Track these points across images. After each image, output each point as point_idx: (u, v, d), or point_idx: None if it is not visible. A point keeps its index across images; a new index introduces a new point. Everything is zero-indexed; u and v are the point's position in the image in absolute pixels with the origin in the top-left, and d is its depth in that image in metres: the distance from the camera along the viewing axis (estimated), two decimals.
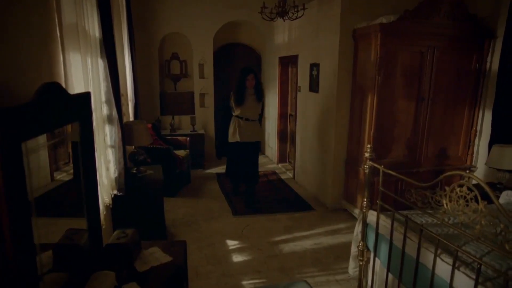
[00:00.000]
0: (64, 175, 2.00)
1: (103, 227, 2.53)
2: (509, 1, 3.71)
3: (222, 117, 5.05)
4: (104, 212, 2.74)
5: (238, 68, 7.48)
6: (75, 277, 1.63)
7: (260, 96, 4.62)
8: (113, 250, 1.90)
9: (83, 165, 1.73)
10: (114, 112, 2.88)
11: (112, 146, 2.97)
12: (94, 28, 2.35)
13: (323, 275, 3.22)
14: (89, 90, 2.07)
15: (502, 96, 3.87)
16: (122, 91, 3.83)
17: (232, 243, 3.78)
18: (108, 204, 2.92)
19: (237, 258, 3.49)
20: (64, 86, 1.79)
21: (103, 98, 2.77)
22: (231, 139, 4.71)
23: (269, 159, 7.26)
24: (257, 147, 4.83)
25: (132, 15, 4.54)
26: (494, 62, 4.04)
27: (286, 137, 6.65)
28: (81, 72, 2.12)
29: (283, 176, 6.10)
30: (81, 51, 2.08)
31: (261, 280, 3.12)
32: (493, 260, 1.94)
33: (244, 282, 3.09)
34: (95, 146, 2.40)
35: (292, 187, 5.53)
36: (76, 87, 1.99)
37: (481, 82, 4.18)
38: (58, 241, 1.60)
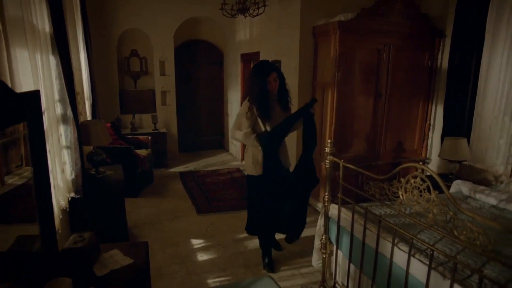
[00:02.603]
0: (16, 179, 1.89)
1: (59, 231, 2.42)
2: (456, 2, 3.93)
3: None
4: (60, 216, 2.62)
5: (201, 65, 7.51)
6: (27, 286, 1.54)
7: (286, 103, 3.13)
8: (69, 255, 1.82)
9: (34, 167, 1.64)
10: (69, 111, 2.76)
11: (68, 147, 2.85)
12: (43, 23, 2.22)
13: (288, 269, 3.26)
14: (39, 88, 1.96)
15: (452, 92, 4.09)
16: (77, 89, 3.68)
17: (196, 242, 3.74)
18: (64, 208, 2.80)
19: (202, 256, 3.46)
20: (9, 84, 1.69)
21: (57, 97, 2.65)
22: (257, 170, 3.09)
23: (233, 156, 7.25)
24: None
25: (87, 9, 4.36)
26: (444, 59, 4.26)
27: None
28: (30, 70, 2.00)
29: (246, 173, 6.11)
30: (29, 47, 1.96)
31: (226, 278, 3.11)
32: (445, 246, 2.06)
33: (210, 281, 3.07)
34: (48, 147, 2.29)
35: None
36: (24, 85, 1.87)
37: (433, 78, 4.40)
38: (7, 248, 1.51)
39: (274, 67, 3.06)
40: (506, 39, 3.53)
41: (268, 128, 3.02)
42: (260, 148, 3.01)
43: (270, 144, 2.99)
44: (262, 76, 2.96)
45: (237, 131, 3.07)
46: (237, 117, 3.12)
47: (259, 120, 3.03)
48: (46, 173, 1.74)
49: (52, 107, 2.47)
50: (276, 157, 3.05)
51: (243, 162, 6.65)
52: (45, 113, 2.31)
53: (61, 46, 2.53)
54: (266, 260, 3.27)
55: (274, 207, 3.13)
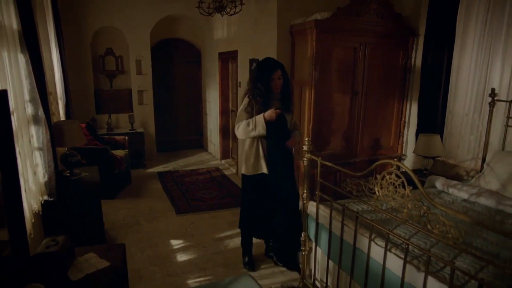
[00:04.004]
0: None
1: (31, 236, 2.35)
2: (428, 2, 4.03)
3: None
4: (33, 220, 2.54)
5: (178, 64, 7.42)
6: None
7: (288, 103, 3.02)
8: (42, 260, 1.76)
9: (2, 170, 1.57)
10: (41, 112, 2.68)
11: (40, 149, 2.76)
12: (10, 19, 2.14)
13: (268, 267, 3.27)
14: (7, 88, 1.88)
15: (425, 90, 4.19)
16: (50, 88, 3.58)
17: (176, 243, 3.70)
18: (37, 211, 2.71)
19: (181, 257, 3.43)
20: None
21: (27, 97, 2.56)
22: (251, 170, 3.01)
23: (212, 155, 7.21)
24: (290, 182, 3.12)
25: (59, 6, 4.23)
26: (417, 58, 4.36)
27: (228, 133, 6.64)
28: None
29: (226, 172, 6.10)
30: None
31: (206, 278, 3.09)
32: (420, 239, 2.11)
33: (190, 281, 3.04)
34: (18, 149, 2.21)
35: (236, 183, 5.54)
36: None
37: (407, 77, 4.49)
38: None
39: (279, 64, 2.95)
40: (475, 39, 3.66)
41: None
42: (261, 148, 2.94)
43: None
44: (266, 73, 2.88)
45: (238, 125, 2.98)
46: (238, 114, 3.04)
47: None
48: (15, 175, 1.68)
49: (22, 107, 2.39)
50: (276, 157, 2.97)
51: (223, 162, 6.65)
52: (14, 114, 2.23)
53: (30, 43, 2.44)
54: (246, 259, 3.27)
55: (258, 209, 3.09)
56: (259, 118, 2.86)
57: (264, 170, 2.96)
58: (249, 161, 3.02)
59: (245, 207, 3.21)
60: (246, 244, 3.30)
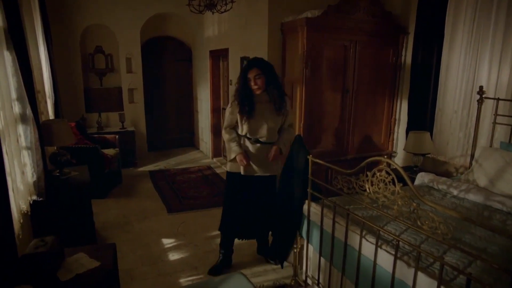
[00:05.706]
0: None
1: (19, 236, 2.32)
2: (417, 1, 4.06)
3: None
4: (21, 220, 2.51)
5: (169, 62, 7.36)
6: None
7: (279, 103, 2.89)
8: (30, 261, 1.74)
9: None
10: (29, 111, 2.64)
11: (28, 148, 2.73)
12: None
13: (260, 265, 3.27)
14: None
15: (415, 88, 4.23)
16: (38, 87, 3.53)
17: (168, 242, 3.68)
18: (25, 212, 2.67)
19: (173, 256, 3.41)
20: None
21: (14, 95, 2.53)
22: (232, 167, 3.03)
23: (204, 154, 7.19)
24: (272, 182, 3.11)
25: (47, 3, 4.18)
26: (407, 56, 4.40)
27: (219, 131, 6.61)
28: None
29: (218, 170, 6.09)
30: None
31: (198, 276, 3.09)
32: (410, 236, 2.13)
33: (182, 280, 3.03)
34: (5, 148, 2.18)
35: None
36: None
37: (398, 74, 4.53)
38: None
39: (256, 62, 2.83)
40: (463, 37, 3.70)
41: (245, 127, 2.88)
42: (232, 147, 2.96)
43: None
44: (242, 72, 2.85)
45: (223, 130, 3.04)
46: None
47: (238, 116, 2.89)
48: (2, 175, 1.65)
49: (8, 106, 2.35)
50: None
51: (214, 160, 6.64)
52: (1, 112, 2.20)
53: (17, 41, 2.40)
54: (218, 260, 3.19)
55: (240, 209, 3.07)
56: (234, 152, 2.94)
57: (241, 171, 2.95)
58: (230, 159, 3.03)
59: (226, 206, 3.14)
60: (224, 247, 3.18)
